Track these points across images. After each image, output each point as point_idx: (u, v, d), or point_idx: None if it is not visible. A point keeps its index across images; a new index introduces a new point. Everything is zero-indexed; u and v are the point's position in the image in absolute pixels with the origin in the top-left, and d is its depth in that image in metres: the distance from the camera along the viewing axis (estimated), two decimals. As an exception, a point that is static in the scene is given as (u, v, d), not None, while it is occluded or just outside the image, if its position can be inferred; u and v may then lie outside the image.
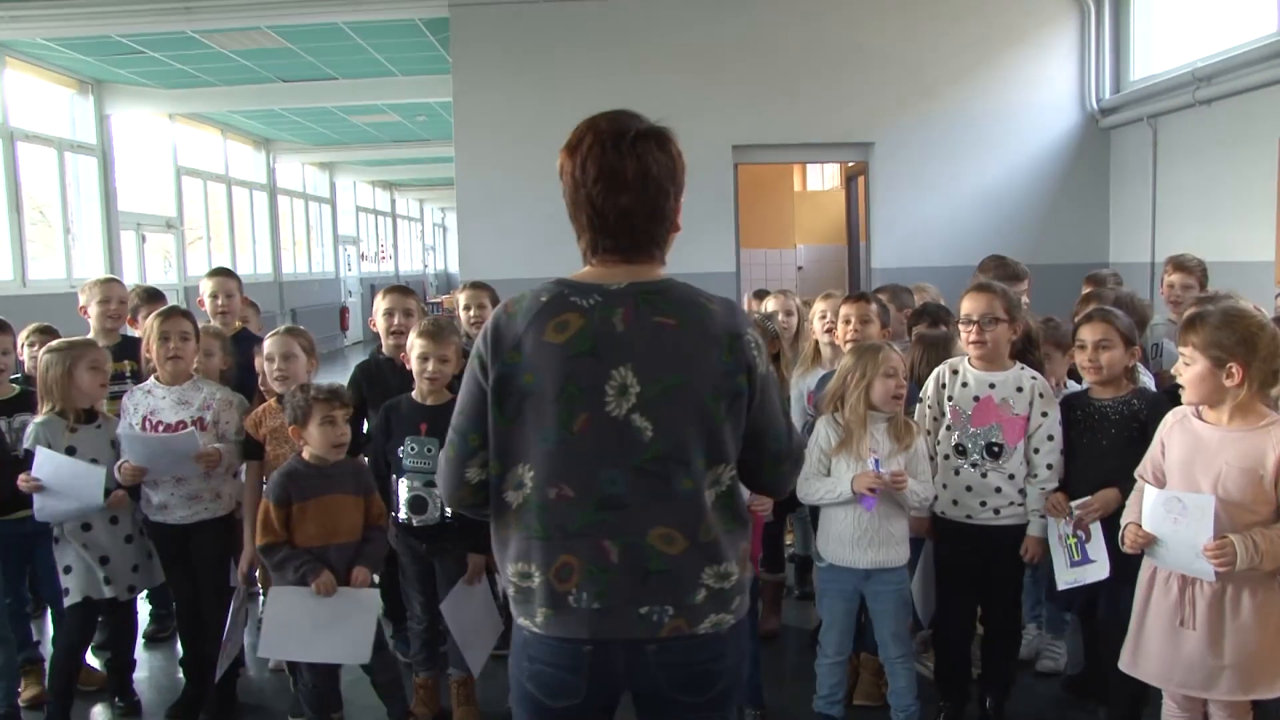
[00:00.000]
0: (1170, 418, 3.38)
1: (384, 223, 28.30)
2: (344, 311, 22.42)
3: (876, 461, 3.78)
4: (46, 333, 5.17)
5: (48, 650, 4.61)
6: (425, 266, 32.21)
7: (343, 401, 3.92)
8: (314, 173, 22.24)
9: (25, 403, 4.52)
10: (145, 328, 4.48)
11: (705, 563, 2.16)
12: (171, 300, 5.52)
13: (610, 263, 2.21)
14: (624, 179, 2.15)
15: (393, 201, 28.89)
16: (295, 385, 4.12)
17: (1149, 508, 3.22)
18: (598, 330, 2.12)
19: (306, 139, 19.27)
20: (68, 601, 4.24)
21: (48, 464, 4.07)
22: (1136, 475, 3.47)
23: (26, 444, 4.17)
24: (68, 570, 4.22)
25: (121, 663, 4.56)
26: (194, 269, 15.40)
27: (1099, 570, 3.73)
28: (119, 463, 4.16)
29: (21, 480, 4.06)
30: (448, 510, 4.08)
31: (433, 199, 31.78)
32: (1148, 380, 4.18)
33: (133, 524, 4.32)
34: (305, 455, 3.94)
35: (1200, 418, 3.27)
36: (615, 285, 2.17)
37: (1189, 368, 3.19)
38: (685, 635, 2.15)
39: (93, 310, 5.22)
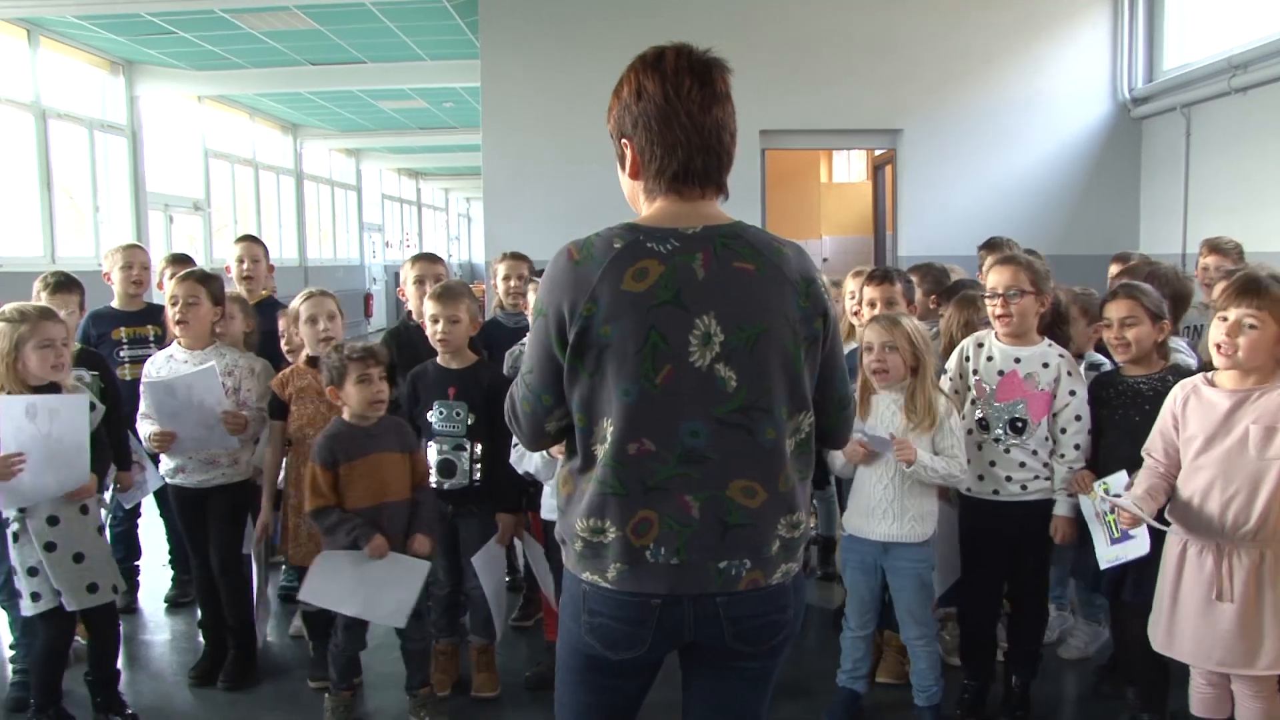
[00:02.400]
0: (1179, 390, 3.34)
1: (409, 211, 28.38)
2: (368, 298, 22.49)
3: (874, 432, 3.76)
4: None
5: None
6: (450, 256, 32.27)
7: (378, 359, 3.91)
8: (340, 159, 22.30)
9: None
10: (168, 291, 4.47)
11: (782, 513, 2.13)
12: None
13: (689, 197, 2.13)
14: (715, 91, 2.11)
15: (418, 190, 28.97)
16: (330, 346, 4.12)
17: (1116, 484, 3.23)
18: (680, 278, 2.05)
19: (333, 124, 19.31)
20: (38, 608, 3.78)
21: (12, 414, 3.60)
22: (1144, 453, 3.42)
23: None
24: (33, 573, 3.76)
25: (105, 677, 4.07)
26: (220, 252, 15.45)
27: (1140, 546, 3.61)
28: (150, 432, 4.12)
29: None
30: (476, 473, 4.09)
31: (458, 188, 31.84)
32: (1190, 361, 4.06)
33: (99, 515, 4.05)
34: (345, 416, 3.94)
35: (1213, 384, 3.23)
36: (690, 229, 2.09)
37: (1257, 331, 3.11)
38: (760, 588, 2.13)
39: (115, 276, 5.26)
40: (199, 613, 4.63)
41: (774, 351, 2.08)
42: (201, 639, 4.60)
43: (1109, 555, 3.71)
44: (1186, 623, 3.25)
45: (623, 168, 2.20)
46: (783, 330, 2.09)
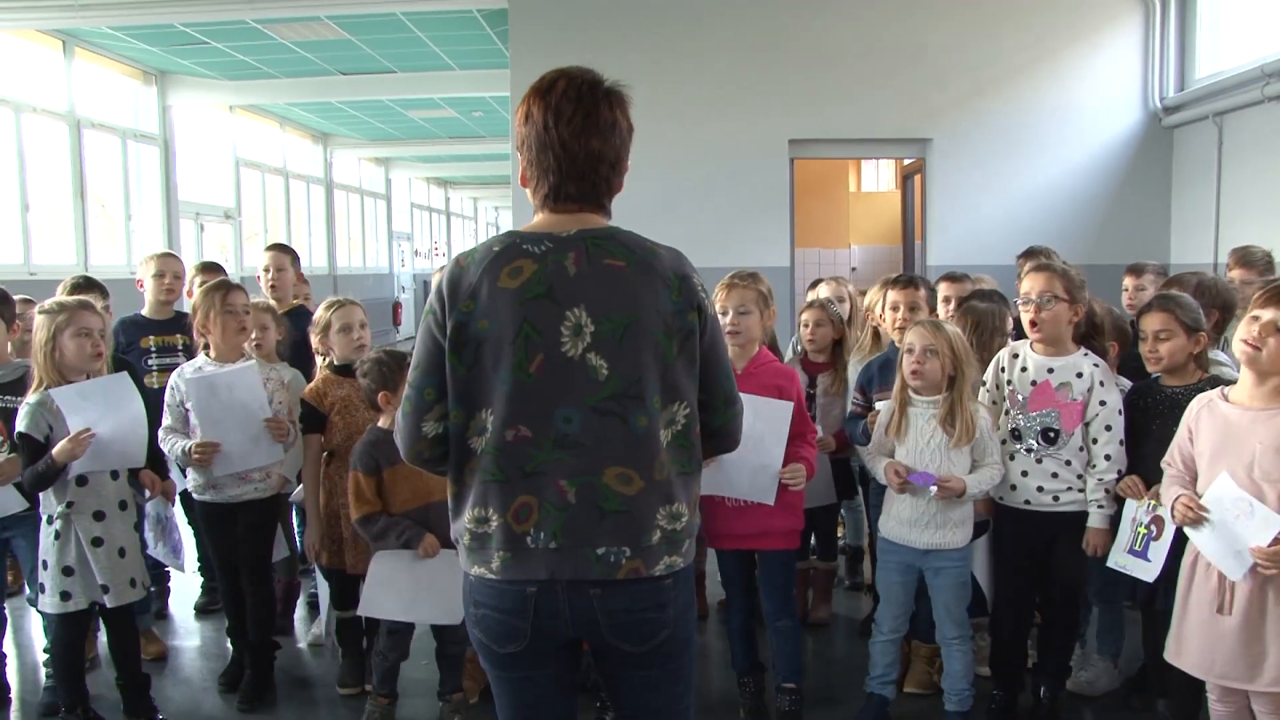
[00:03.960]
0: (1195, 404, 3.33)
1: (438, 219, 28.51)
2: (397, 307, 22.60)
3: (921, 481, 3.74)
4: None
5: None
6: (477, 265, 32.32)
7: None
8: (370, 168, 22.44)
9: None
10: (193, 302, 4.43)
11: (660, 502, 2.18)
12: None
13: (565, 211, 2.24)
14: (597, 122, 2.20)
15: (447, 199, 29.11)
16: (369, 352, 4.14)
17: (1219, 489, 3.16)
18: (551, 274, 2.17)
19: (363, 134, 19.44)
20: (66, 607, 3.85)
21: (77, 401, 3.76)
22: (1164, 464, 3.40)
23: (20, 427, 3.79)
24: (68, 572, 3.82)
25: (133, 677, 4.13)
26: (250, 261, 15.58)
27: (1149, 571, 3.64)
28: (189, 444, 4.11)
29: (69, 445, 3.70)
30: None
31: (486, 197, 31.96)
32: (1233, 373, 4.01)
33: (136, 510, 4.11)
34: (382, 422, 3.95)
35: (1226, 399, 3.21)
36: (565, 233, 2.21)
37: None
38: (640, 578, 2.17)
39: (148, 284, 5.26)
40: (227, 621, 4.59)
41: (644, 341, 2.17)
42: (230, 645, 4.60)
43: (1120, 560, 3.74)
44: (1193, 634, 3.24)
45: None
46: (653, 322, 2.18)
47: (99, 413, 3.82)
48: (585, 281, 2.16)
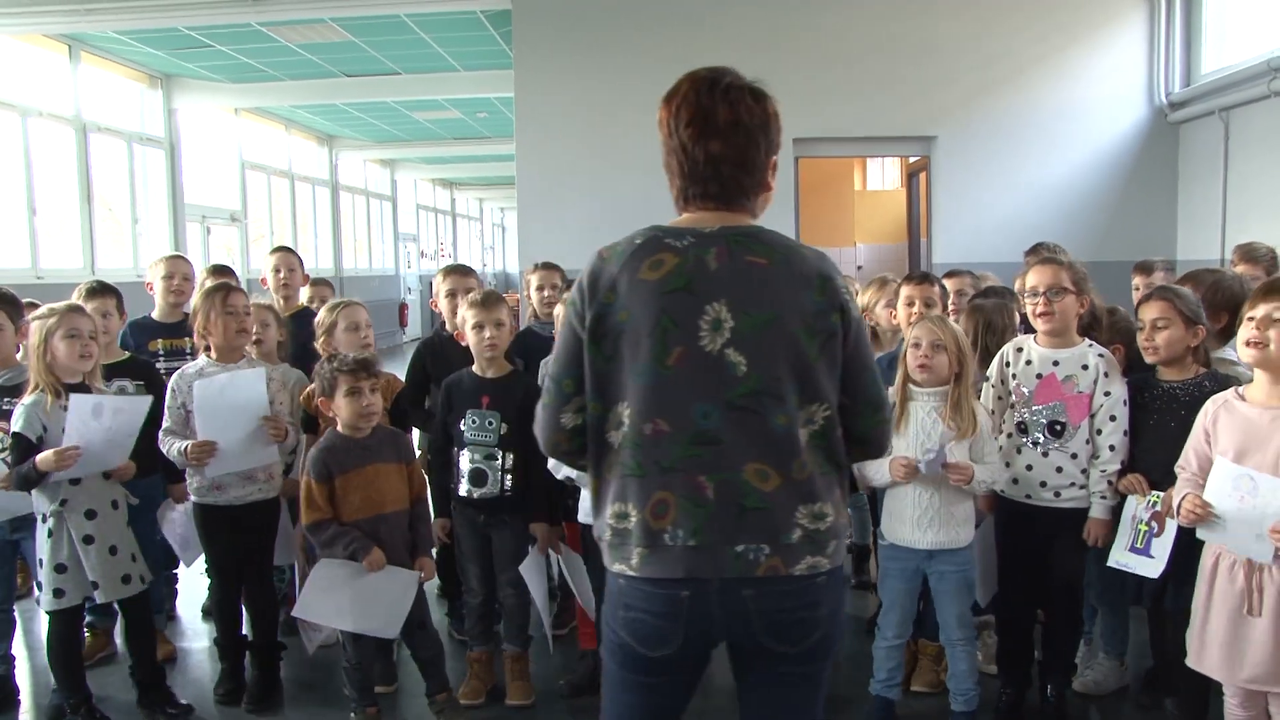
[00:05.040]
0: (1210, 405, 3.31)
1: (443, 221, 28.53)
2: (403, 308, 22.63)
3: (929, 455, 3.71)
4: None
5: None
6: (484, 265, 32.41)
7: (370, 372, 3.90)
8: (375, 169, 22.47)
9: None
10: (194, 304, 4.40)
11: (799, 501, 2.15)
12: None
13: (705, 209, 2.23)
14: (715, 124, 2.18)
15: (452, 200, 29.12)
16: (324, 358, 4.14)
17: (1215, 481, 3.15)
18: (692, 267, 2.15)
19: (368, 135, 19.46)
20: (60, 604, 3.92)
21: (82, 411, 3.80)
22: (1177, 469, 3.39)
23: (15, 427, 3.85)
24: (61, 569, 3.89)
25: (149, 669, 4.24)
26: (256, 263, 15.60)
27: (1152, 568, 3.64)
28: (184, 445, 4.11)
29: (55, 455, 3.74)
30: (507, 483, 4.11)
31: (492, 198, 31.97)
32: (1241, 368, 3.99)
33: (127, 509, 4.13)
34: (339, 428, 3.94)
35: (1243, 399, 3.20)
36: (708, 229, 2.19)
37: None
38: (781, 576, 2.13)
39: (157, 286, 5.25)
40: (217, 631, 4.53)
41: (784, 340, 2.14)
42: (220, 659, 4.50)
43: (1121, 558, 3.74)
44: (1216, 637, 3.20)
45: None
46: (794, 320, 2.15)
47: (100, 435, 3.86)
48: (726, 277, 2.14)
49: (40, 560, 3.94)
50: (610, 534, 2.21)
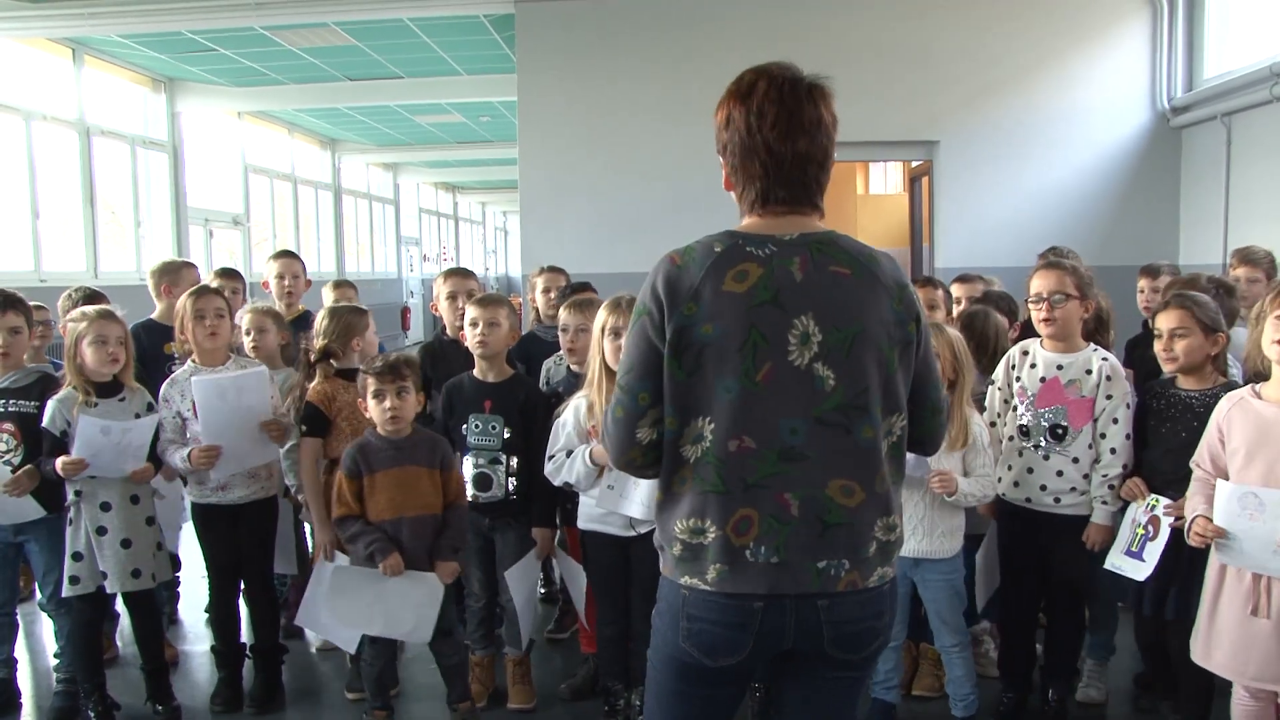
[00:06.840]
0: (1225, 403, 3.30)
1: (446, 224, 28.56)
2: (405, 311, 22.63)
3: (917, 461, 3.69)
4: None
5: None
6: (486, 269, 32.43)
7: (395, 376, 3.88)
8: (378, 173, 22.49)
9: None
10: (178, 307, 4.35)
11: (878, 514, 2.15)
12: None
13: (778, 214, 2.18)
14: (802, 123, 2.14)
15: (455, 204, 29.16)
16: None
17: (1222, 502, 3.15)
18: (778, 279, 2.10)
19: (371, 139, 19.48)
20: (75, 591, 4.01)
21: (89, 431, 3.91)
22: (1192, 465, 3.39)
23: (45, 423, 3.98)
24: (77, 557, 4.00)
25: (154, 663, 4.29)
26: (259, 266, 15.62)
27: (1141, 571, 3.64)
28: (187, 450, 4.11)
29: (61, 465, 3.86)
30: (510, 486, 4.10)
31: (494, 202, 32.01)
32: (1236, 372, 3.95)
33: (152, 505, 4.19)
34: (377, 428, 3.96)
35: (1259, 396, 3.19)
36: (787, 236, 2.15)
37: None
38: (858, 590, 2.13)
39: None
40: (213, 636, 4.52)
41: (870, 353, 2.12)
42: (217, 668, 4.46)
43: (1115, 561, 3.74)
44: (1224, 636, 3.21)
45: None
46: (878, 332, 2.13)
47: (109, 449, 3.95)
48: (812, 289, 2.10)
49: (65, 548, 4.04)
50: (681, 548, 2.15)
